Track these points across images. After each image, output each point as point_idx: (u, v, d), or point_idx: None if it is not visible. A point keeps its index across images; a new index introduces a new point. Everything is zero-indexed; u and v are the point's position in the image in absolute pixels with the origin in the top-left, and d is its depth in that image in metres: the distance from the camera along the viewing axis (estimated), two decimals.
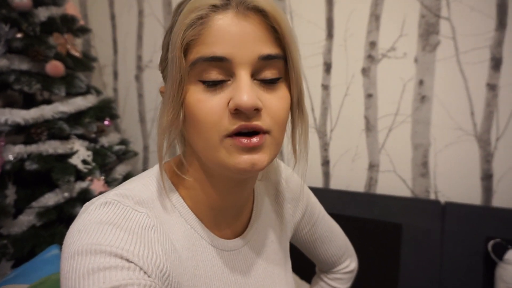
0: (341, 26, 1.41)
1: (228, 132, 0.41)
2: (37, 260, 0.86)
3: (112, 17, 1.88)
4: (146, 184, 0.49)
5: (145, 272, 0.39)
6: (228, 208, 0.52)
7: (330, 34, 1.43)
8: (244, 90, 0.40)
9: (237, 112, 0.41)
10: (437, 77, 1.29)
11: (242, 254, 0.55)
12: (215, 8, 0.41)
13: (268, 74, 0.43)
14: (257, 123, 0.42)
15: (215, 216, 0.52)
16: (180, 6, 0.45)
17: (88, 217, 0.42)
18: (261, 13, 0.42)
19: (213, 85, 0.42)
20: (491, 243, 1.12)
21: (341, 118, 1.46)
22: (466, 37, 1.24)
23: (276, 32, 0.43)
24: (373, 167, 1.42)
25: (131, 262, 0.39)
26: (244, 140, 0.41)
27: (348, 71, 1.42)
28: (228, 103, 0.41)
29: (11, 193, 1.19)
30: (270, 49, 0.42)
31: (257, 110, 0.42)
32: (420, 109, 1.33)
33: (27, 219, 1.19)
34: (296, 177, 0.68)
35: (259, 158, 0.42)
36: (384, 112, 1.38)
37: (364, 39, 1.38)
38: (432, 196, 1.34)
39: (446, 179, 1.32)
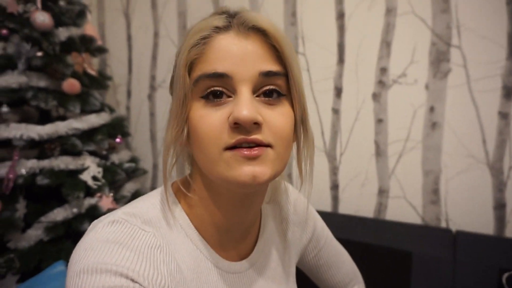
0: (352, 52, 1.43)
1: (227, 145, 0.42)
2: (43, 275, 0.86)
3: (129, 38, 1.94)
4: (154, 203, 0.49)
5: None
6: (234, 229, 0.52)
7: (341, 59, 1.45)
8: (244, 104, 0.41)
9: (237, 126, 0.42)
10: (448, 104, 1.29)
11: (247, 277, 0.54)
12: (217, 29, 0.44)
13: (270, 90, 0.44)
14: (256, 136, 0.42)
15: (221, 237, 0.51)
16: (189, 31, 0.47)
17: (96, 236, 0.42)
18: (262, 33, 0.44)
19: (215, 101, 0.43)
20: (505, 275, 1.09)
21: (351, 143, 1.46)
22: (478, 65, 1.24)
23: (277, 50, 0.45)
24: (382, 192, 1.41)
25: (136, 282, 0.39)
26: (245, 151, 0.42)
27: (358, 96, 1.43)
28: (229, 117, 0.42)
29: (21, 207, 1.20)
30: (270, 66, 0.44)
31: (257, 125, 0.42)
32: (431, 136, 1.32)
33: (35, 233, 1.19)
34: (304, 200, 0.68)
35: (261, 170, 0.42)
36: (395, 138, 1.38)
37: (375, 65, 1.39)
38: (443, 224, 1.32)
39: (457, 207, 1.30)
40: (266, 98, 0.44)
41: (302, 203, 0.67)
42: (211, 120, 0.42)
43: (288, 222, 0.64)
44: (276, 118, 0.44)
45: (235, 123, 0.41)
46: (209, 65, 0.43)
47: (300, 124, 0.48)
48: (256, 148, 0.42)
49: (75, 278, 0.38)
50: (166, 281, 0.42)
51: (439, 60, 1.30)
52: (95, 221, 0.45)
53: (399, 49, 1.35)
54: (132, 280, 0.39)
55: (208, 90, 0.43)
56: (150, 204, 0.49)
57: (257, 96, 0.44)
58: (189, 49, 0.44)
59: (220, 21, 0.44)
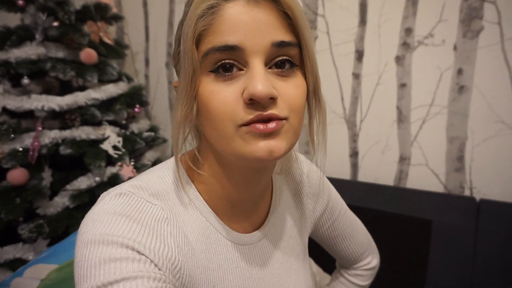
0: (375, 12, 1.34)
1: (243, 122, 0.40)
2: (67, 242, 0.90)
3: (145, 4, 1.90)
4: (161, 176, 0.49)
5: (155, 265, 0.40)
6: (245, 201, 0.52)
7: (363, 20, 1.37)
8: (258, 79, 0.39)
9: (252, 102, 0.40)
10: (478, 66, 1.21)
11: (258, 248, 0.55)
12: None
13: (282, 61, 0.42)
14: (272, 111, 0.41)
15: (232, 209, 0.51)
16: None
17: (103, 207, 0.42)
18: (273, 0, 0.41)
19: (226, 75, 0.41)
20: None
21: (372, 109, 1.40)
22: None
23: (289, 18, 0.42)
24: (404, 160, 1.37)
25: (142, 254, 0.39)
26: (261, 126, 0.40)
27: (381, 60, 1.35)
28: (242, 93, 0.40)
29: (47, 176, 1.26)
30: (283, 35, 0.41)
31: (272, 99, 0.40)
32: (458, 100, 1.25)
33: (61, 201, 1.25)
34: (318, 171, 0.66)
35: (277, 144, 0.41)
36: (418, 103, 1.31)
37: (399, 26, 1.31)
38: (467, 193, 1.27)
39: (483, 175, 1.24)
40: (279, 70, 0.42)
41: (316, 174, 0.66)
42: (223, 96, 0.40)
43: (301, 193, 0.63)
44: (290, 90, 0.42)
45: (251, 99, 0.40)
46: (218, 37, 0.40)
47: (312, 94, 0.46)
48: (272, 123, 0.41)
49: (83, 248, 0.39)
50: (173, 253, 0.43)
51: (471, 17, 1.20)
52: (104, 193, 0.46)
53: (426, 7, 1.26)
54: (138, 252, 0.39)
55: (218, 64, 0.41)
56: (157, 177, 0.49)
57: (269, 68, 0.42)
58: (196, 21, 0.40)
59: None
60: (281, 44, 0.41)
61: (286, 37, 0.41)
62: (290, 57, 0.42)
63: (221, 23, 0.40)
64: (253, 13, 0.40)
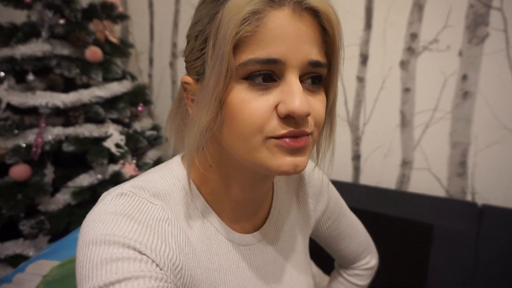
0: (380, 16, 1.34)
1: (274, 135, 0.40)
2: (68, 238, 0.90)
3: (150, 4, 1.91)
4: (163, 176, 0.49)
5: (157, 265, 0.39)
6: (247, 202, 0.52)
7: (368, 25, 1.37)
8: (298, 96, 0.38)
9: (287, 117, 0.40)
10: (482, 72, 1.21)
11: (260, 248, 0.55)
12: (271, 3, 0.38)
13: (315, 77, 0.42)
14: (304, 128, 0.41)
15: (234, 210, 0.51)
16: None
17: (104, 207, 0.42)
18: (314, 13, 0.40)
19: (262, 86, 0.40)
20: None
21: (375, 112, 1.40)
22: None
23: (326, 35, 0.42)
24: (406, 164, 1.37)
25: (144, 254, 0.39)
26: (291, 142, 0.40)
27: (385, 64, 1.36)
28: (276, 106, 0.40)
29: (49, 172, 1.26)
30: (318, 55, 0.41)
31: (307, 116, 0.40)
32: (462, 106, 1.25)
33: (63, 197, 1.25)
34: (319, 171, 0.66)
35: (302, 160, 0.41)
36: (422, 108, 1.32)
37: (405, 30, 1.31)
38: (469, 198, 1.27)
39: (485, 180, 1.24)
40: (310, 85, 0.42)
41: (317, 174, 0.66)
42: (255, 106, 0.39)
43: (302, 193, 0.63)
44: (318, 106, 0.43)
45: (288, 115, 0.39)
46: (262, 48, 0.38)
47: (329, 110, 0.47)
48: (301, 139, 0.41)
49: (84, 248, 0.39)
50: (175, 253, 0.42)
51: (476, 24, 1.20)
52: (105, 193, 0.46)
53: (432, 13, 1.26)
54: (140, 252, 0.39)
55: (255, 73, 0.39)
56: (159, 177, 0.49)
57: (301, 82, 0.41)
58: (239, 24, 0.37)
59: None
60: (315, 64, 0.41)
61: (320, 57, 0.41)
62: (321, 74, 0.43)
63: (265, 33, 0.38)
64: (297, 26, 0.39)
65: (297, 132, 0.40)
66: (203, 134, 0.42)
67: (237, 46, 0.39)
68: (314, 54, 0.40)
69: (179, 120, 0.52)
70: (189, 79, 0.45)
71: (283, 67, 0.39)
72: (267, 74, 0.40)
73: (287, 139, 0.40)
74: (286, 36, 0.38)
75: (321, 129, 0.45)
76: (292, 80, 0.39)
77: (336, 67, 0.44)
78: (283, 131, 0.40)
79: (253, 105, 0.39)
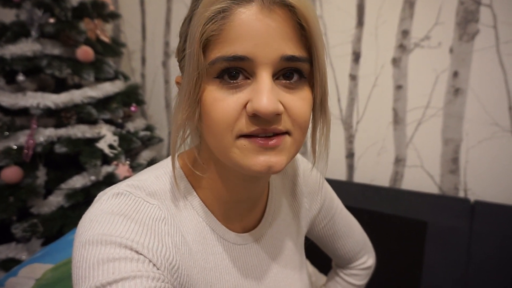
0: (372, 14, 1.35)
1: (242, 133, 0.40)
2: (62, 241, 0.90)
3: (142, 3, 1.89)
4: (158, 176, 0.49)
5: (154, 265, 0.39)
6: (242, 202, 0.52)
7: (360, 22, 1.37)
8: (264, 94, 0.38)
9: (255, 116, 0.39)
10: (473, 68, 1.22)
11: (255, 248, 0.55)
12: (238, 0, 0.38)
13: (291, 72, 0.41)
14: (275, 126, 0.40)
15: (228, 210, 0.51)
16: None
17: (100, 207, 0.42)
18: (288, 8, 0.38)
19: (231, 83, 0.39)
20: None
21: (368, 110, 1.41)
22: (509, 26, 1.15)
23: (303, 29, 0.40)
24: (399, 161, 1.38)
25: (141, 254, 0.39)
26: (261, 141, 0.39)
27: (377, 61, 1.36)
28: (246, 103, 0.39)
29: (41, 174, 1.24)
30: (294, 49, 0.39)
31: (277, 115, 0.39)
32: (453, 103, 1.26)
33: (56, 200, 1.24)
34: (314, 170, 0.67)
35: (277, 160, 0.40)
36: (414, 105, 1.32)
37: (396, 28, 1.32)
38: (461, 194, 1.29)
39: (477, 176, 1.26)
40: (286, 81, 0.41)
41: (312, 173, 0.66)
42: (226, 105, 0.39)
43: (297, 192, 0.64)
44: (297, 103, 0.41)
45: (254, 114, 0.39)
46: (228, 46, 0.38)
47: (319, 106, 0.45)
48: (273, 138, 0.40)
49: (80, 248, 0.39)
50: (171, 252, 0.42)
51: (467, 20, 1.21)
52: (100, 193, 0.46)
53: (423, 10, 1.27)
54: (136, 252, 0.39)
55: (224, 70, 0.39)
56: (154, 177, 0.48)
57: (276, 79, 0.40)
58: (204, 23, 0.38)
59: None
60: (291, 59, 0.39)
61: (297, 51, 0.40)
62: (299, 69, 0.41)
63: (231, 30, 0.38)
64: (266, 21, 0.38)
65: (268, 130, 0.39)
66: (179, 132, 0.43)
67: (206, 45, 0.39)
68: (289, 49, 0.39)
69: None
70: (179, 78, 0.46)
71: (252, 64, 0.38)
72: (236, 72, 0.39)
73: (258, 139, 0.40)
74: (253, 33, 0.37)
75: (306, 127, 0.43)
76: (262, 78, 0.39)
77: (318, 61, 0.41)
78: (252, 128, 0.39)
79: (224, 103, 0.39)
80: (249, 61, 0.38)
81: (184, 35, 0.44)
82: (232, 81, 0.39)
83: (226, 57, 0.38)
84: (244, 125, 0.39)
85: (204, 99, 0.40)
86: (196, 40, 0.38)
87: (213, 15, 0.38)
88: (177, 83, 0.47)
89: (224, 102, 0.39)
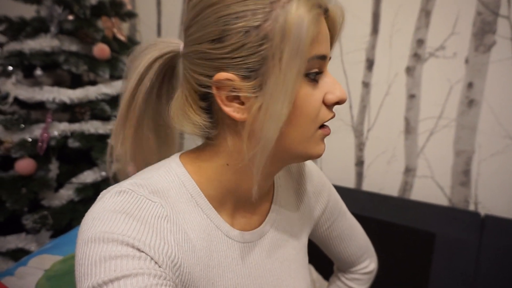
0: (387, 22, 1.34)
1: (322, 123, 0.46)
2: (71, 234, 0.91)
3: (158, 3, 1.92)
4: (162, 174, 0.49)
5: (156, 262, 0.40)
6: (248, 200, 0.52)
7: (375, 30, 1.37)
8: (339, 85, 0.46)
9: (332, 105, 0.46)
10: (489, 80, 1.21)
11: (258, 246, 0.55)
12: (321, 8, 0.44)
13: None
14: None
15: (234, 207, 0.52)
16: None
17: (103, 205, 0.42)
18: (326, 14, 0.46)
19: (315, 80, 0.45)
20: None
21: (379, 118, 1.40)
22: None
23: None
24: (409, 171, 1.36)
25: (142, 251, 0.39)
26: (328, 129, 0.47)
27: (391, 69, 1.36)
28: (324, 96, 0.45)
29: (54, 168, 1.27)
30: None
31: None
32: (467, 114, 1.25)
33: (67, 193, 1.26)
34: (318, 170, 0.67)
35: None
36: (426, 115, 1.31)
37: (411, 36, 1.31)
38: (472, 207, 1.27)
39: (488, 190, 1.24)
40: None
41: (316, 172, 0.66)
42: (315, 99, 0.44)
43: (302, 191, 0.64)
44: None
45: (336, 103, 0.46)
46: (320, 46, 0.43)
47: None
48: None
49: (83, 246, 0.39)
50: (173, 250, 0.43)
51: (484, 31, 1.20)
52: (104, 191, 0.46)
53: (440, 19, 1.26)
54: (138, 250, 0.39)
55: (314, 70, 0.44)
56: (158, 174, 0.48)
57: None
58: (311, 25, 0.40)
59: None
60: (330, 59, 0.47)
61: None
62: None
63: (321, 32, 0.43)
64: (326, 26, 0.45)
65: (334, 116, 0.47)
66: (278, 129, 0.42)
67: None
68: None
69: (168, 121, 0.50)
70: (231, 75, 0.43)
71: (326, 62, 0.45)
72: (322, 70, 0.45)
73: (326, 128, 0.47)
74: (327, 34, 0.45)
75: None
76: (328, 72, 0.46)
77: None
78: (329, 116, 0.47)
79: (313, 97, 0.44)
80: (327, 60, 0.45)
81: (259, 32, 0.41)
82: (315, 77, 0.44)
83: (319, 56, 0.43)
84: (325, 115, 0.46)
85: (298, 95, 0.44)
86: (307, 40, 0.40)
87: (315, 18, 0.41)
88: (227, 79, 0.43)
89: (313, 97, 0.44)
